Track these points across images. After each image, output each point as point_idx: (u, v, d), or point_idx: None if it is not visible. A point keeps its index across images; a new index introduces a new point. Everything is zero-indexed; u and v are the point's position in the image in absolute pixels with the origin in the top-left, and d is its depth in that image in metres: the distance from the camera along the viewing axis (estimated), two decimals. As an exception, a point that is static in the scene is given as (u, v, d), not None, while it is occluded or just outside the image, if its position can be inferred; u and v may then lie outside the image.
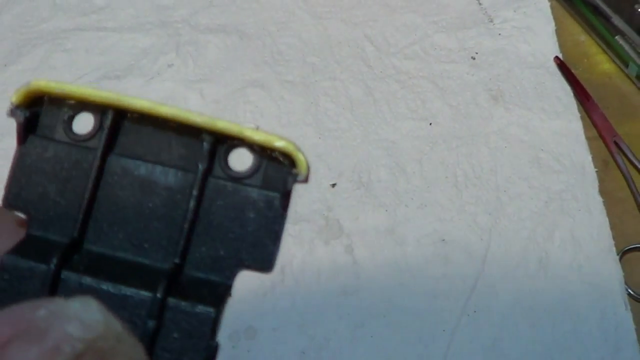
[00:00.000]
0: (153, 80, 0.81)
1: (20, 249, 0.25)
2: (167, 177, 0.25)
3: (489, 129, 0.76)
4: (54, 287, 0.24)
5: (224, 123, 0.25)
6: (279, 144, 0.25)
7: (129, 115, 0.26)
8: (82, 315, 0.19)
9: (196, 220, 0.25)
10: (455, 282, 0.68)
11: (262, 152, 0.26)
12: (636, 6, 0.76)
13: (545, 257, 0.69)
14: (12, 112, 0.25)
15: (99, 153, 0.25)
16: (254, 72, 0.80)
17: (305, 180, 0.25)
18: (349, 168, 0.74)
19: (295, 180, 0.25)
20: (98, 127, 0.26)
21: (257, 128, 0.25)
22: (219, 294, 0.25)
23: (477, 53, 0.81)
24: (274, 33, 0.83)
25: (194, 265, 0.25)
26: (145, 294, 0.24)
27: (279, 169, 0.26)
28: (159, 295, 0.24)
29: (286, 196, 0.26)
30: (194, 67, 0.82)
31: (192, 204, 0.25)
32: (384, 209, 0.72)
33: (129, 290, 0.24)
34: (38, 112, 0.26)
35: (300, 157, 0.25)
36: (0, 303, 0.22)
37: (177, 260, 0.25)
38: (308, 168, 0.25)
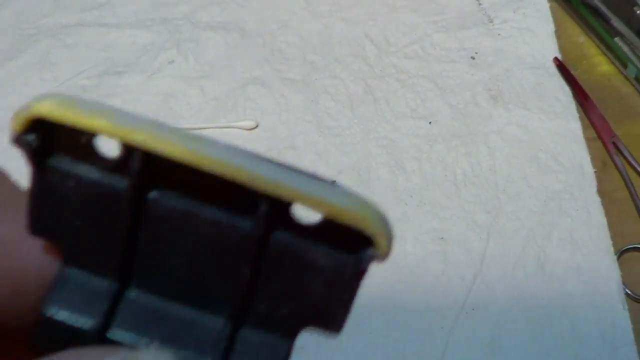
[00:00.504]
0: (153, 77, 0.82)
1: (63, 299, 0.21)
2: (218, 217, 0.21)
3: (488, 128, 0.76)
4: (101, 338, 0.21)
5: (290, 188, 0.20)
6: (363, 225, 0.20)
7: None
8: None
9: (257, 275, 0.21)
10: (454, 280, 0.68)
11: None
12: (635, 8, 0.76)
13: (543, 256, 0.69)
14: (18, 140, 0.20)
15: (130, 188, 0.20)
16: (254, 69, 0.81)
17: (384, 259, 0.20)
18: (349, 166, 0.74)
19: (372, 259, 0.20)
20: (126, 155, 0.20)
21: (334, 183, 0.21)
22: (280, 355, 0.22)
23: (476, 53, 0.81)
24: (274, 31, 0.83)
25: (254, 324, 0.22)
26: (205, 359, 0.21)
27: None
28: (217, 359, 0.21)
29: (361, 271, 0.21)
30: (194, 64, 0.82)
31: (251, 257, 0.21)
32: (383, 206, 0.71)
33: (185, 354, 0.21)
34: (50, 131, 0.20)
35: (383, 243, 0.20)
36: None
37: (234, 319, 0.21)
38: (391, 246, 0.20)
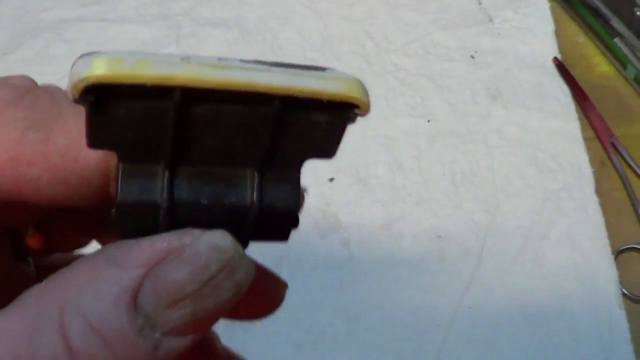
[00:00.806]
0: (153, 72, 0.82)
1: (130, 185, 0.25)
2: (242, 109, 0.25)
3: (487, 127, 0.76)
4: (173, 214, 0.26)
5: (294, 88, 0.24)
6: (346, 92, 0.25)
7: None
8: (219, 242, 0.24)
9: (275, 137, 0.26)
10: (451, 278, 0.69)
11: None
12: (635, 9, 0.77)
13: (541, 255, 0.69)
14: (78, 102, 0.23)
15: (172, 108, 0.24)
16: (253, 66, 0.81)
17: (366, 114, 0.26)
18: (347, 163, 0.74)
19: (357, 115, 0.25)
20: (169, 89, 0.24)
21: (325, 70, 0.25)
22: (296, 178, 0.27)
23: (476, 52, 0.81)
24: (274, 28, 0.83)
25: (274, 167, 0.27)
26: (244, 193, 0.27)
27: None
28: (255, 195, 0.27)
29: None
30: (194, 60, 0.82)
31: (270, 128, 0.26)
32: (381, 204, 0.72)
33: (232, 194, 0.27)
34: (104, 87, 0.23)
35: (365, 106, 0.25)
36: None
37: (259, 168, 0.27)
38: (369, 106, 0.25)
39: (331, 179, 0.72)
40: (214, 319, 0.25)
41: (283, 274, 0.69)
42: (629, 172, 0.74)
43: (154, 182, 0.26)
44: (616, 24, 0.78)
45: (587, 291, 0.68)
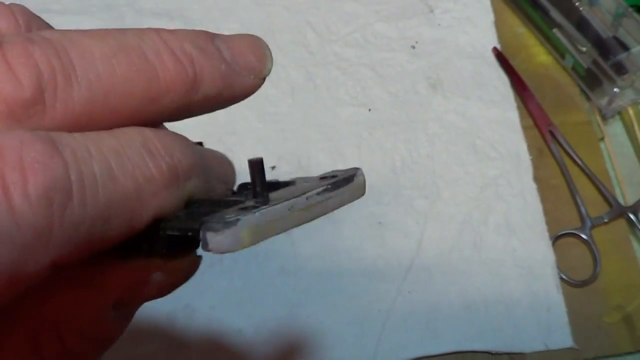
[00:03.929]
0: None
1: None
2: None
3: (427, 116, 0.77)
4: None
5: None
6: None
7: None
8: None
9: None
10: (391, 264, 0.69)
11: None
12: (574, 0, 0.78)
13: (479, 240, 0.70)
14: None
15: None
16: (196, 56, 0.80)
17: None
18: (289, 151, 0.74)
19: None
20: None
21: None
22: None
23: (417, 42, 0.82)
24: (217, 19, 0.83)
25: None
26: None
27: None
28: None
29: None
30: (136, 51, 0.82)
31: None
32: (322, 191, 0.72)
33: None
34: None
35: None
36: None
37: None
38: None
39: (273, 167, 0.73)
40: None
41: (225, 260, 0.70)
42: (566, 160, 0.75)
43: None
44: (555, 14, 0.79)
45: (525, 276, 0.69)
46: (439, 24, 0.83)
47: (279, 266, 0.69)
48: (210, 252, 0.25)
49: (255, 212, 0.26)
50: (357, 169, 0.32)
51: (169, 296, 0.68)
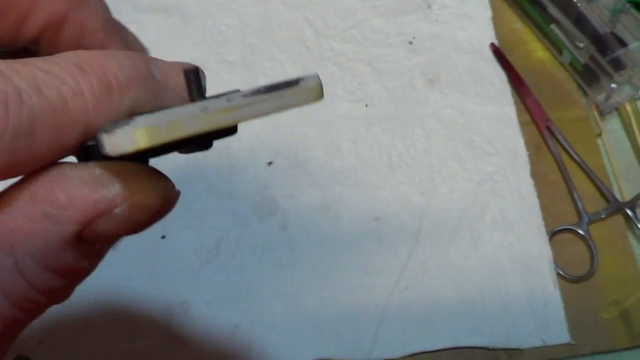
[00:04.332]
0: (92, 58, 0.81)
1: None
2: None
3: (424, 111, 0.77)
4: None
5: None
6: None
7: None
8: (145, 201, 0.27)
9: None
10: (388, 259, 0.69)
11: None
12: (571, -4, 0.78)
13: (476, 236, 0.70)
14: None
15: None
16: (193, 51, 0.80)
17: None
18: (286, 147, 0.74)
19: None
20: None
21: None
22: None
23: (414, 38, 0.81)
24: (215, 14, 0.83)
25: None
26: None
27: None
28: None
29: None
30: (133, 46, 0.82)
31: None
32: (319, 187, 0.72)
33: None
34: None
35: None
36: None
37: None
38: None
39: (270, 163, 0.73)
40: None
41: (221, 255, 0.69)
42: (563, 155, 0.75)
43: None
44: (553, 10, 0.79)
45: (522, 271, 0.69)
46: (437, 20, 0.83)
47: (276, 261, 0.69)
48: (110, 155, 0.25)
49: (155, 113, 0.26)
50: (312, 74, 0.30)
51: (166, 291, 0.68)
